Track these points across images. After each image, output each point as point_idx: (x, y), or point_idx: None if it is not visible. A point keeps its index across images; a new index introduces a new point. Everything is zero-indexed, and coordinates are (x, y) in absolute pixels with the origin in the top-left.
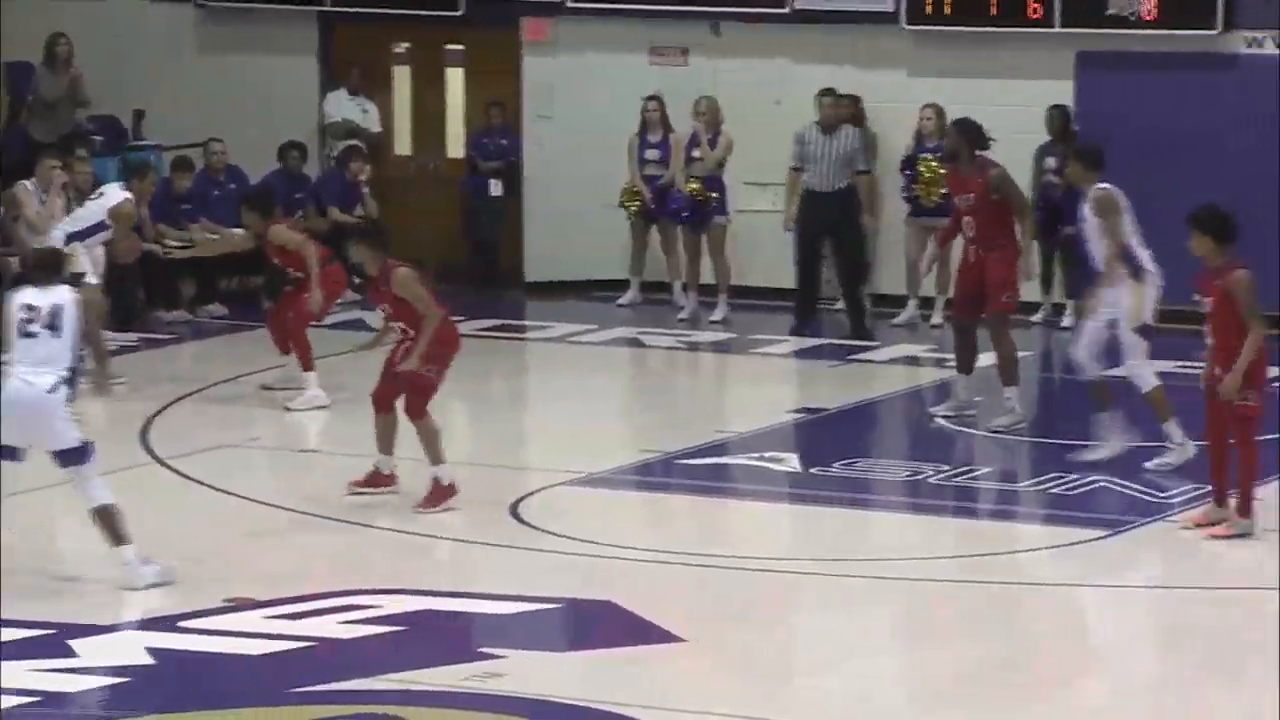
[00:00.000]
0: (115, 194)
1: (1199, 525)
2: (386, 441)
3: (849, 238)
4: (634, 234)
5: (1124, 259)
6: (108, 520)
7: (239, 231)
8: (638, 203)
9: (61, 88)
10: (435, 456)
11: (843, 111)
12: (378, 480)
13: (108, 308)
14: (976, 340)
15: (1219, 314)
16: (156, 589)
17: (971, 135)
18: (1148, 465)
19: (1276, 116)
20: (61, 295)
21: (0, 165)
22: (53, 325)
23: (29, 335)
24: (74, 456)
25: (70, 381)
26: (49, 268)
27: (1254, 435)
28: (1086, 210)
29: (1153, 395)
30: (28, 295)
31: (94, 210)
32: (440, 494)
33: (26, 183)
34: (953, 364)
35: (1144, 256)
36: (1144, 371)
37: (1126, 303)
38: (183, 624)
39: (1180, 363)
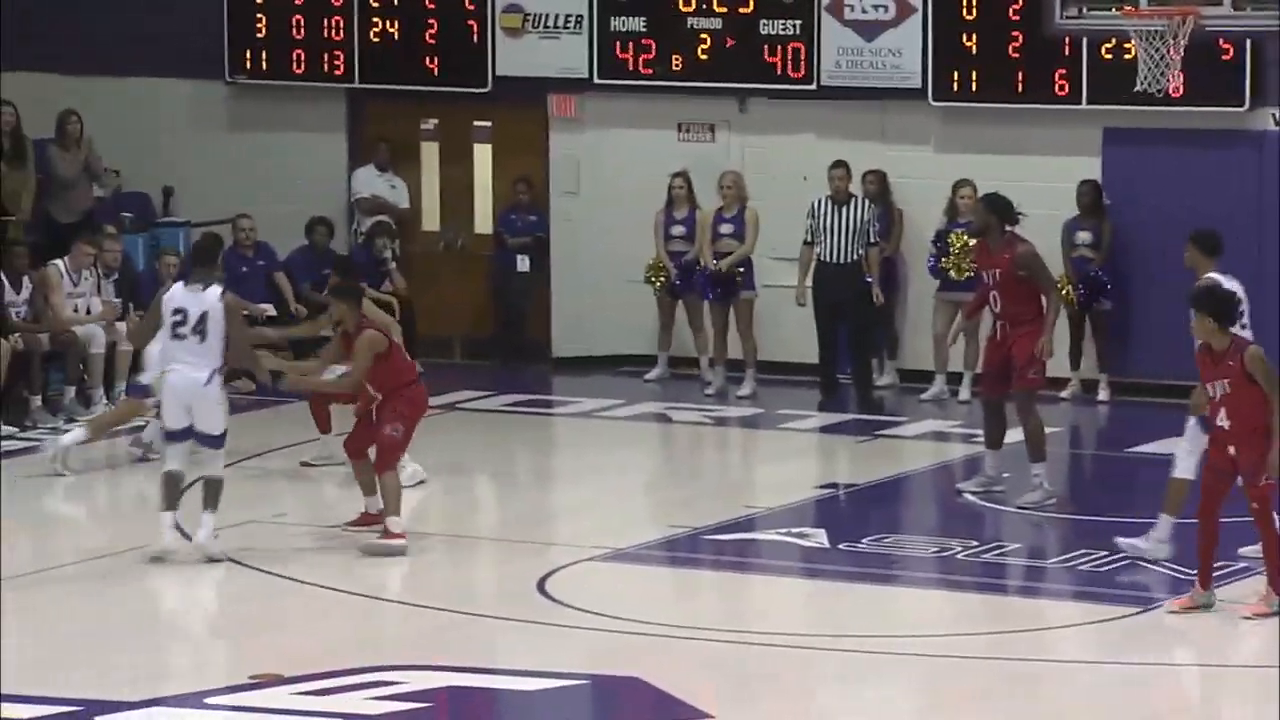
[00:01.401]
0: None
1: (1185, 609)
2: (368, 485)
3: (858, 309)
4: (661, 309)
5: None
6: (211, 488)
7: (266, 306)
8: (664, 278)
9: (76, 165)
10: (393, 509)
11: (869, 187)
12: (366, 519)
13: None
14: (1005, 415)
15: (1236, 395)
16: (182, 667)
17: (1000, 211)
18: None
19: None
20: (209, 301)
21: (29, 245)
22: (200, 330)
23: (179, 337)
24: (215, 441)
25: (219, 373)
26: (206, 255)
27: (1273, 513)
28: None
29: (1173, 484)
30: (178, 299)
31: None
32: (389, 537)
33: (59, 262)
34: (981, 439)
35: None
36: (1185, 459)
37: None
38: (209, 700)
39: None
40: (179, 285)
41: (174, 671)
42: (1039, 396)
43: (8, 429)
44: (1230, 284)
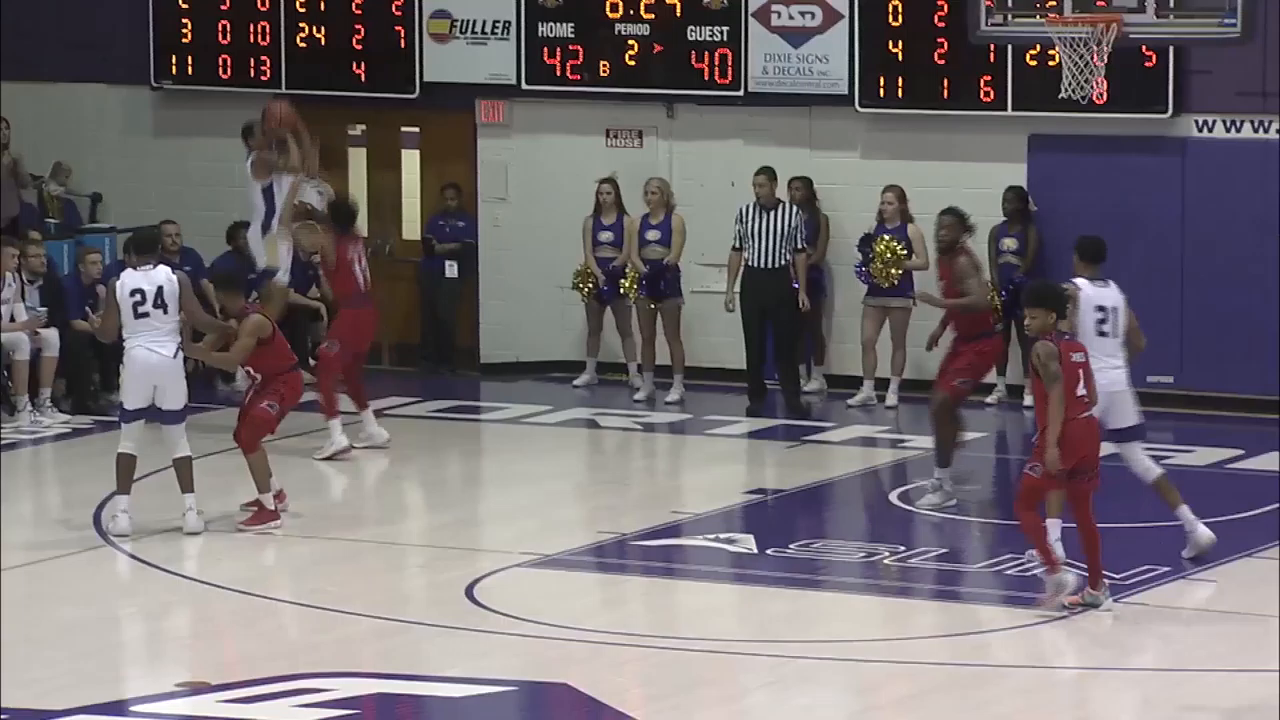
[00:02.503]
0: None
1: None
2: (263, 479)
3: (786, 315)
4: (589, 315)
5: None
6: (183, 469)
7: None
8: (592, 284)
9: (1, 171)
10: (262, 486)
11: (795, 193)
12: (264, 516)
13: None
14: (955, 426)
15: (1035, 389)
16: (109, 674)
17: (963, 223)
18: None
19: (1226, 198)
20: (162, 276)
21: None
22: (161, 304)
23: (143, 315)
24: (177, 417)
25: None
26: (148, 243)
27: (1032, 506)
28: None
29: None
30: (133, 280)
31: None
32: (263, 516)
33: None
34: (909, 445)
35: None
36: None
37: None
38: (136, 708)
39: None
40: (127, 271)
41: (101, 679)
42: (958, 403)
43: None
44: (1095, 290)
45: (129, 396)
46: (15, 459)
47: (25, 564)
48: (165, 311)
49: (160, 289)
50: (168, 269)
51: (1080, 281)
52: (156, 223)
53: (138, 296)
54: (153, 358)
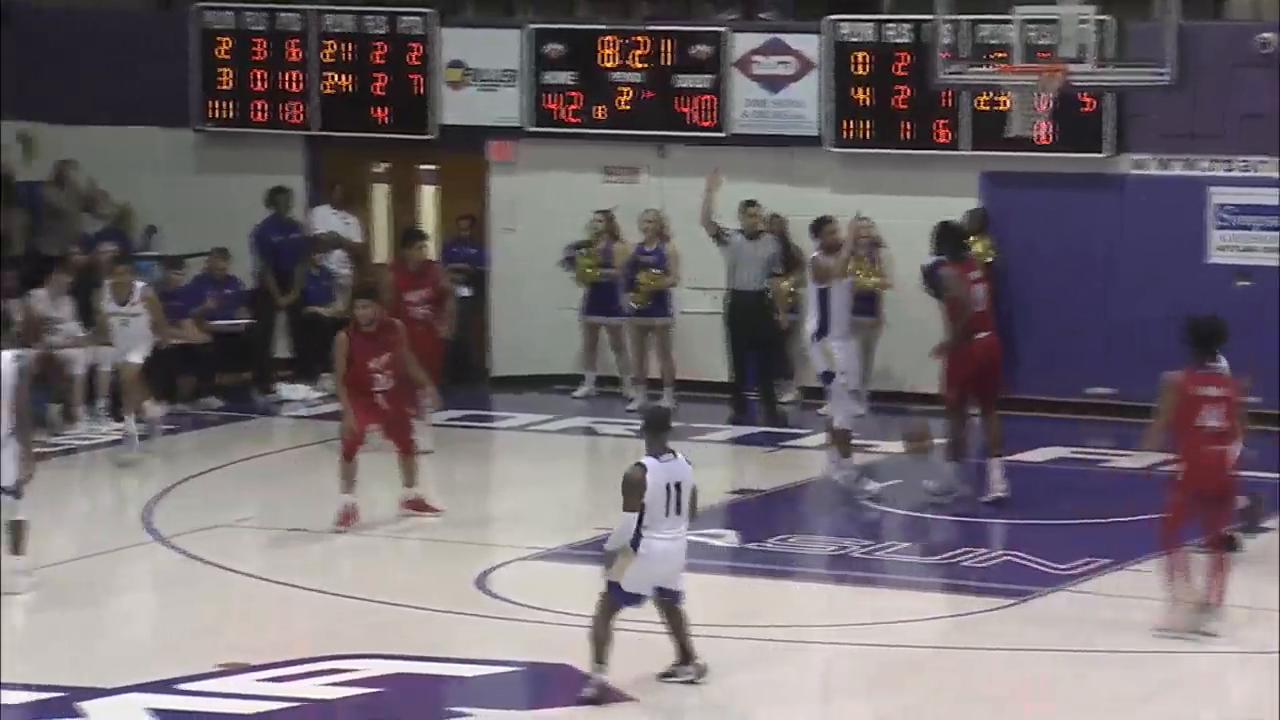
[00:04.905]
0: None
1: None
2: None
3: (765, 333)
4: (586, 333)
5: None
6: (17, 531)
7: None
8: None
9: (72, 204)
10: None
11: (774, 224)
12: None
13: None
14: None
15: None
16: (157, 657)
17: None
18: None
19: (1160, 230)
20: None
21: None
22: None
23: None
24: (11, 493)
25: (12, 434)
26: None
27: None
28: None
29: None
30: None
31: None
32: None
33: (39, 292)
34: (875, 450)
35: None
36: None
37: None
38: (180, 686)
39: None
40: None
41: (149, 660)
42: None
43: None
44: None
45: None
46: (73, 463)
47: (79, 558)
48: None
49: None
50: (10, 358)
51: None
52: (203, 251)
53: None
54: None
